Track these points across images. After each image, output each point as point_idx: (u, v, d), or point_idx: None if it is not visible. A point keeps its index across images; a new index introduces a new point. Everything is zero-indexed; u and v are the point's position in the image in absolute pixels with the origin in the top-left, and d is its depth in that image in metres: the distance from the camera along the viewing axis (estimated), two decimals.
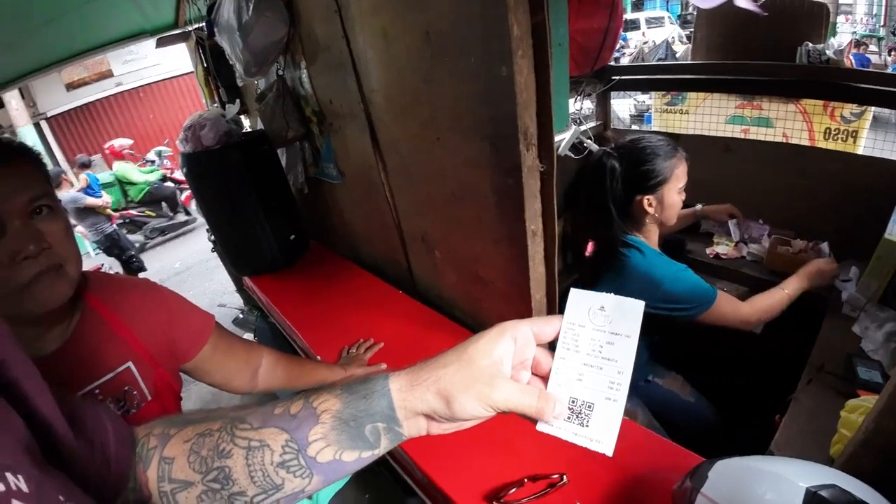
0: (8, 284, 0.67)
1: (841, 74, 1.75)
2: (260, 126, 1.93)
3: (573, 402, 0.45)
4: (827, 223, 1.66)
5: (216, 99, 2.38)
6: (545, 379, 0.47)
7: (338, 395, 0.46)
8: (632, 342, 0.44)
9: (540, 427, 0.45)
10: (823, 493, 0.56)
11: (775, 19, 2.20)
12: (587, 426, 0.44)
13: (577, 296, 0.47)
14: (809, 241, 1.64)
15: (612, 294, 0.46)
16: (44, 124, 9.73)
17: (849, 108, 2.72)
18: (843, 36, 8.77)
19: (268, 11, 1.47)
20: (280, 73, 1.74)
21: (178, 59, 10.00)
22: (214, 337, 0.99)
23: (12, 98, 8.83)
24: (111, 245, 5.11)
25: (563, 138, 1.49)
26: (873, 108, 2.70)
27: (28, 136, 9.16)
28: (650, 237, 1.47)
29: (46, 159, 0.77)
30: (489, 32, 0.83)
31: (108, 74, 10.06)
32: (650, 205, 1.39)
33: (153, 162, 8.44)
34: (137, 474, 0.49)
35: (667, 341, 1.60)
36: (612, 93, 2.04)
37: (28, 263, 0.68)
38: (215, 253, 2.70)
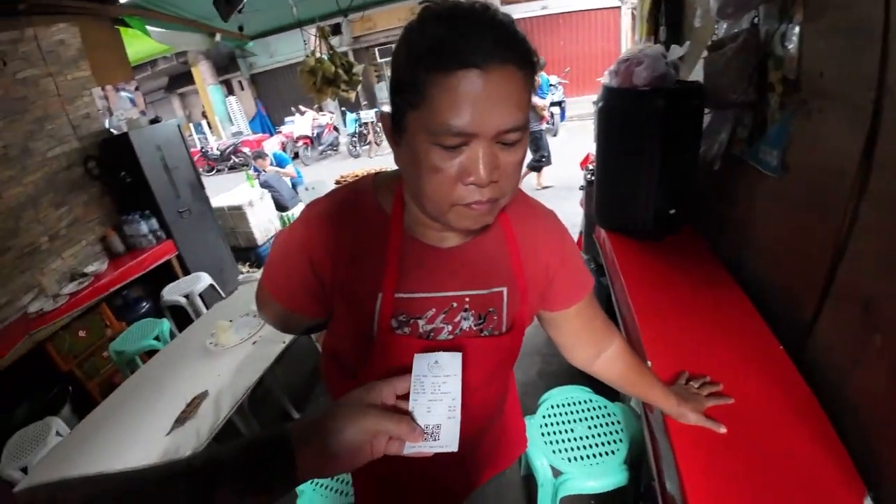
0: (444, 195, 0.64)
1: None
2: (694, 77, 1.65)
3: (426, 427, 0.63)
4: None
5: (653, 37, 2.17)
6: None
7: (241, 444, 0.55)
8: (457, 379, 0.67)
9: (406, 450, 0.62)
10: None
11: None
12: (438, 439, 0.63)
13: (419, 358, 0.68)
14: None
15: (440, 351, 0.69)
16: None
17: None
18: None
19: None
20: (755, 21, 1.40)
21: None
22: (584, 303, 0.90)
23: None
24: (532, 140, 5.69)
25: None
26: None
27: None
28: None
29: None
30: None
31: None
32: None
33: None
34: None
35: None
36: None
37: (471, 190, 0.63)
38: (583, 191, 2.64)
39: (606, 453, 1.45)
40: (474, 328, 0.81)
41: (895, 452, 0.85)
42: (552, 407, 1.64)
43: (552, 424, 1.58)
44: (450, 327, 0.80)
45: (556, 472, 1.45)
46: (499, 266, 0.81)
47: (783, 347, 1.20)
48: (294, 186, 6.05)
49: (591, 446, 1.48)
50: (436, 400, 0.64)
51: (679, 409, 1.02)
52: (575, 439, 1.51)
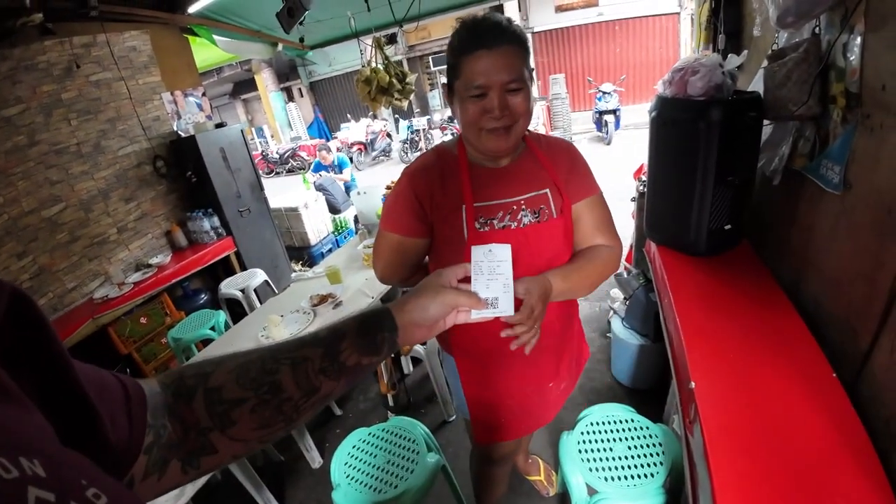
0: (476, 126, 1.08)
1: None
2: (753, 88, 1.58)
3: (486, 300, 0.83)
4: None
5: (711, 45, 2.09)
6: None
7: (355, 318, 0.69)
8: (508, 263, 0.86)
9: (473, 316, 0.82)
10: None
11: None
12: (497, 307, 0.84)
13: (476, 249, 0.88)
14: None
15: (493, 243, 0.88)
16: (530, 37, 11.55)
17: None
18: None
19: None
20: (816, 31, 1.32)
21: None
22: (590, 203, 1.23)
23: (512, 8, 10.63)
24: None
25: None
26: None
27: None
28: None
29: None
30: None
31: (594, 3, 10.89)
32: None
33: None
34: (178, 412, 0.54)
35: None
36: None
37: (489, 118, 1.05)
38: (634, 202, 2.57)
39: (645, 475, 1.40)
40: (533, 221, 1.16)
41: None
42: (592, 424, 1.60)
43: (591, 442, 1.54)
44: (516, 223, 1.16)
45: (592, 491, 1.41)
46: (539, 176, 1.19)
47: (838, 377, 1.12)
48: (347, 190, 6.21)
49: (629, 467, 1.44)
50: (493, 279, 0.86)
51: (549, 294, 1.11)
52: (613, 458, 1.47)
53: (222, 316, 3.31)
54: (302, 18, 3.33)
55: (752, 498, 0.89)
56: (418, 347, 2.43)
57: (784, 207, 1.55)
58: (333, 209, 5.89)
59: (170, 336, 3.22)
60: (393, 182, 6.20)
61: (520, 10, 11.22)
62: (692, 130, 1.45)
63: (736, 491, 0.91)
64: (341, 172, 6.42)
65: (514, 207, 1.16)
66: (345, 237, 5.75)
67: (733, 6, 2.07)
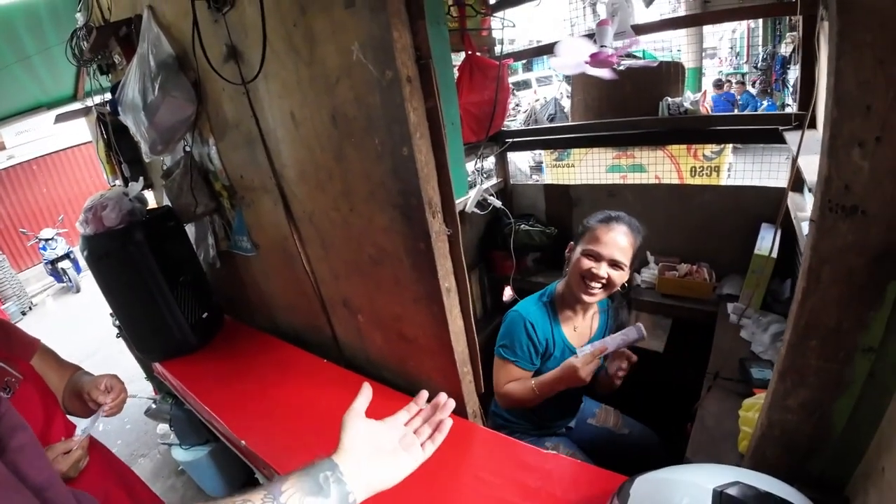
0: None
1: (698, 121, 2.12)
2: (166, 202, 1.87)
3: None
4: (705, 247, 1.93)
5: (118, 174, 2.29)
6: None
7: (299, 470, 0.63)
8: None
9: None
10: (729, 490, 0.63)
11: (639, 80, 2.54)
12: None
13: None
14: (693, 264, 1.88)
15: None
16: None
17: (709, 148, 3.26)
18: (710, 77, 9.82)
19: (174, 91, 1.48)
20: (187, 149, 1.72)
21: (76, 129, 9.43)
22: (42, 353, 1.31)
23: None
24: None
25: (467, 198, 1.65)
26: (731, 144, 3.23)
27: None
28: None
29: None
30: (390, 117, 0.94)
31: (2, 147, 9.25)
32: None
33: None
34: None
35: None
36: (512, 151, 2.38)
37: None
38: (121, 339, 2.47)
39: None
40: (8, 396, 1.12)
41: (409, 366, 1.32)
42: None
43: None
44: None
45: None
46: None
47: (327, 360, 1.60)
48: None
49: None
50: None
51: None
52: None
53: None
54: None
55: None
56: None
57: (235, 279, 1.96)
58: None
59: None
60: None
61: None
62: (127, 256, 1.58)
63: None
64: None
65: None
66: None
67: (124, 138, 2.27)
